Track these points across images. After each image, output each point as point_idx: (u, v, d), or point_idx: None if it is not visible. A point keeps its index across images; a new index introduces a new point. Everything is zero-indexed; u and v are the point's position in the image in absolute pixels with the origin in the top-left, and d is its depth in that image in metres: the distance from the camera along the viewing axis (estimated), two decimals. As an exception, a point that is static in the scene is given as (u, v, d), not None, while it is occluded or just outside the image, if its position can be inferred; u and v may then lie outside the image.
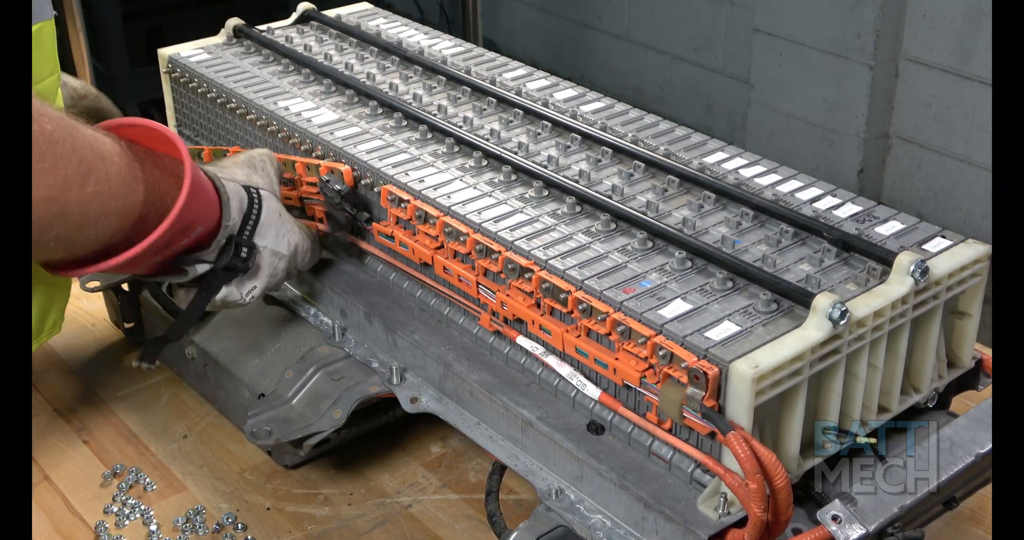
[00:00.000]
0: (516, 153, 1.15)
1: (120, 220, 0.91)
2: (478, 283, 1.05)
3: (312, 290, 1.25)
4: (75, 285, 1.38)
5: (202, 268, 1.05)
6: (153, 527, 1.16)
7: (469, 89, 1.29)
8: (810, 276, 0.95)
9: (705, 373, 0.85)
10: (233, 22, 1.46)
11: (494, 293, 1.03)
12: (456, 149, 1.18)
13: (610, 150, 1.16)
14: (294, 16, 1.52)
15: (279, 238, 1.11)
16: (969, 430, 0.93)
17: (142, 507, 1.19)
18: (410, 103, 1.27)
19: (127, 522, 1.17)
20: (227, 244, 1.05)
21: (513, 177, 1.12)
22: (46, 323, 1.17)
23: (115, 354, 1.45)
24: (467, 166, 1.15)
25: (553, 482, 0.99)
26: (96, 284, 1.39)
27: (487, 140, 1.18)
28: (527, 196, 1.09)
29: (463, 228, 1.05)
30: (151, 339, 1.16)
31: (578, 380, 0.99)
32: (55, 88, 1.10)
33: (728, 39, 3.69)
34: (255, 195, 1.08)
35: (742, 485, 0.85)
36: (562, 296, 0.96)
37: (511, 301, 1.02)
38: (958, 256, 0.98)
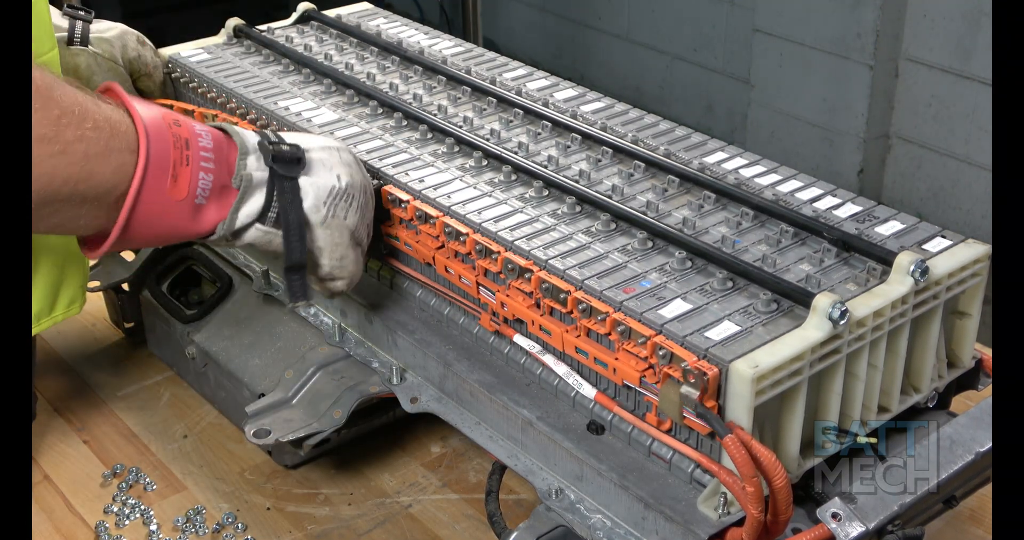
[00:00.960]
0: (516, 153, 1.15)
1: (130, 155, 0.91)
2: (478, 283, 1.05)
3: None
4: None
5: (259, 175, 1.00)
6: (153, 527, 1.16)
7: (469, 89, 1.29)
8: (810, 276, 0.95)
9: (705, 373, 0.85)
10: (233, 22, 1.46)
11: (494, 293, 1.03)
12: (456, 149, 1.18)
13: (610, 150, 1.16)
14: (294, 16, 1.52)
15: (326, 139, 1.07)
16: (969, 429, 0.93)
17: (142, 507, 1.19)
18: (410, 103, 1.27)
19: (127, 522, 1.17)
20: (262, 148, 1.01)
21: (513, 177, 1.12)
22: (60, 301, 1.14)
23: (115, 354, 1.45)
24: (467, 166, 1.15)
25: (553, 482, 0.99)
26: (96, 284, 1.39)
27: (487, 140, 1.18)
28: (527, 196, 1.09)
29: (463, 228, 1.05)
30: (288, 276, 1.04)
31: (574, 379, 0.99)
32: (55, 64, 1.10)
33: (728, 39, 3.69)
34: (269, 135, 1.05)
35: (739, 486, 0.85)
36: (562, 296, 0.96)
37: (511, 301, 1.02)
38: (958, 256, 0.98)
